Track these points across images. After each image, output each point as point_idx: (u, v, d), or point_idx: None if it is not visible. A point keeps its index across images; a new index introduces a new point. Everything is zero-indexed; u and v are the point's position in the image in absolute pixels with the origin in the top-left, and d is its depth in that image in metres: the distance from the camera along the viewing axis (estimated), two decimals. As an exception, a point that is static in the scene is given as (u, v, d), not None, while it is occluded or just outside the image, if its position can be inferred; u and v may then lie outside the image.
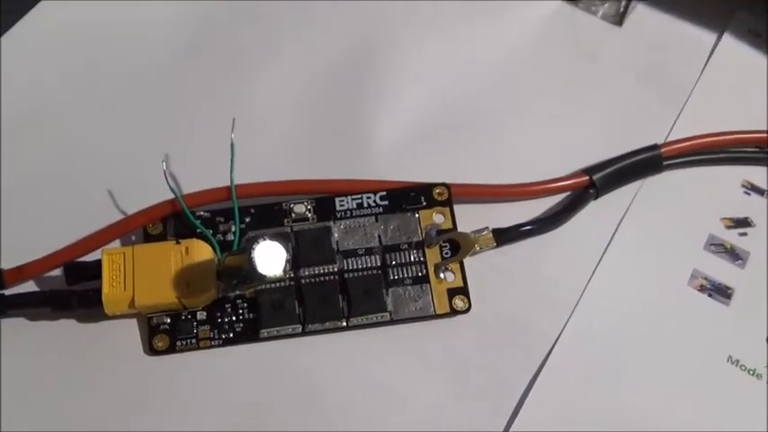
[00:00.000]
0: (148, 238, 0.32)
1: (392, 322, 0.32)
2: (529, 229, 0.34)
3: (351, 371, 0.31)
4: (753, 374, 0.32)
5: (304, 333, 0.31)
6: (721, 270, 0.34)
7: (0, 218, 0.33)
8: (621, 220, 0.35)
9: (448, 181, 0.34)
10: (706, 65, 0.39)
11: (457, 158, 0.36)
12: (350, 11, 0.39)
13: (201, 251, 0.31)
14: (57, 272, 0.31)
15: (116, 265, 0.30)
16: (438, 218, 0.34)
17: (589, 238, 0.34)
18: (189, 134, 0.36)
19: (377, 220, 0.33)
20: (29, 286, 0.32)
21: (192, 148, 0.35)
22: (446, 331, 0.32)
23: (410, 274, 0.32)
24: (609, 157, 0.35)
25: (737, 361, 0.32)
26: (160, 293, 0.30)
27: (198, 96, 0.37)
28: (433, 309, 0.32)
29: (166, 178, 0.32)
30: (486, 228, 0.33)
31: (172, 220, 0.32)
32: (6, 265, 0.31)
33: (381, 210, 0.33)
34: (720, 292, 0.34)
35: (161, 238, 0.32)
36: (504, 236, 0.33)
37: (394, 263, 0.32)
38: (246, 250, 0.28)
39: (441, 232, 0.33)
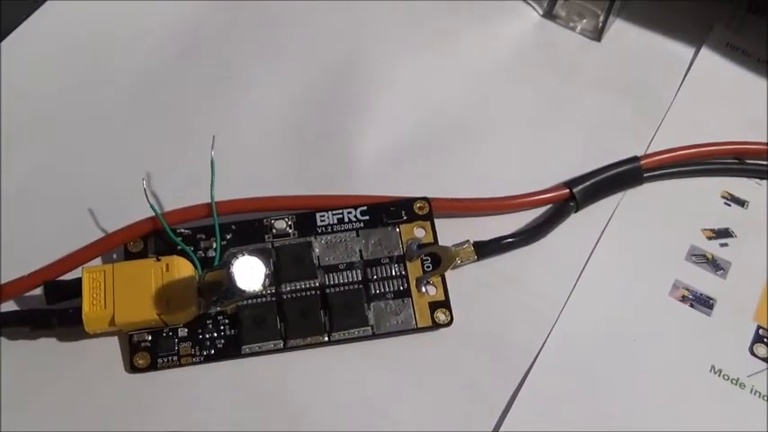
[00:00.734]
0: (129, 255, 0.32)
1: (374, 336, 0.32)
2: (510, 242, 0.34)
3: (333, 385, 0.31)
4: (736, 384, 0.32)
5: (286, 348, 0.31)
6: (703, 280, 0.34)
7: (-21, 237, 0.33)
8: (603, 232, 0.35)
9: (428, 195, 0.34)
10: (684, 78, 0.40)
11: (437, 173, 0.36)
12: (331, 27, 0.40)
13: (182, 268, 0.31)
14: (37, 291, 0.31)
15: (96, 282, 0.30)
16: (419, 232, 0.34)
17: (570, 250, 0.35)
18: (169, 152, 0.36)
19: (358, 235, 0.33)
20: (8, 305, 0.31)
21: (173, 166, 0.35)
22: (428, 345, 0.32)
23: (392, 288, 0.32)
24: (589, 170, 0.36)
25: (720, 371, 0.32)
26: (141, 311, 0.30)
27: (178, 114, 0.37)
28: (414, 322, 0.32)
29: (147, 196, 0.32)
30: (467, 241, 0.33)
31: (153, 238, 0.32)
32: (-15, 285, 0.31)
33: (362, 224, 0.33)
34: (702, 302, 0.34)
35: (142, 255, 0.32)
36: (485, 249, 0.33)
37: (375, 277, 0.32)
38: (226, 265, 0.28)
39: (422, 246, 0.33)
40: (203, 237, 0.33)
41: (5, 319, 0.31)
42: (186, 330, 0.31)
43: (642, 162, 0.36)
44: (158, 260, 0.31)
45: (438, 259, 0.33)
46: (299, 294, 0.32)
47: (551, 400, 0.31)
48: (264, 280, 0.28)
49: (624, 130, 0.38)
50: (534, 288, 0.34)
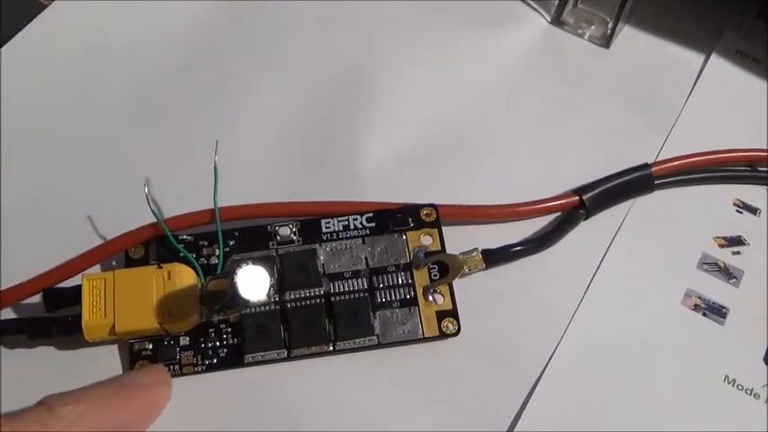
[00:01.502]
0: (130, 262, 0.31)
1: (380, 346, 0.31)
2: (518, 250, 0.33)
3: (337, 396, 0.30)
4: (750, 394, 0.31)
5: (289, 358, 0.30)
6: (715, 289, 0.34)
7: (-22, 244, 0.32)
8: (613, 240, 0.34)
9: (436, 202, 0.34)
10: (694, 85, 0.39)
11: (445, 180, 0.35)
12: (337, 35, 0.39)
13: (184, 275, 0.30)
14: (35, 298, 0.31)
15: (96, 290, 0.30)
16: (426, 239, 0.33)
17: (580, 258, 0.34)
18: (172, 157, 0.35)
19: (364, 242, 0.33)
20: (6, 313, 0.31)
21: (175, 172, 0.35)
22: (435, 355, 0.31)
23: (398, 297, 0.32)
24: (599, 177, 0.35)
25: (734, 381, 0.32)
26: (142, 319, 0.29)
27: (181, 119, 0.36)
28: (421, 332, 0.31)
29: (148, 201, 0.31)
30: (476, 249, 0.33)
31: (154, 244, 0.32)
32: (-17, 293, 0.31)
33: (368, 231, 0.33)
34: (715, 311, 0.33)
35: (143, 262, 0.31)
36: (494, 257, 0.33)
37: (381, 285, 0.32)
38: (229, 275, 0.27)
39: (429, 254, 0.33)
40: (206, 243, 0.32)
41: (3, 328, 0.30)
42: (188, 339, 0.31)
43: (653, 169, 0.35)
44: (160, 267, 0.30)
45: (445, 267, 0.32)
46: (303, 303, 0.31)
47: (561, 410, 0.31)
48: (269, 290, 0.27)
49: (634, 137, 0.37)
50: (543, 297, 0.33)
